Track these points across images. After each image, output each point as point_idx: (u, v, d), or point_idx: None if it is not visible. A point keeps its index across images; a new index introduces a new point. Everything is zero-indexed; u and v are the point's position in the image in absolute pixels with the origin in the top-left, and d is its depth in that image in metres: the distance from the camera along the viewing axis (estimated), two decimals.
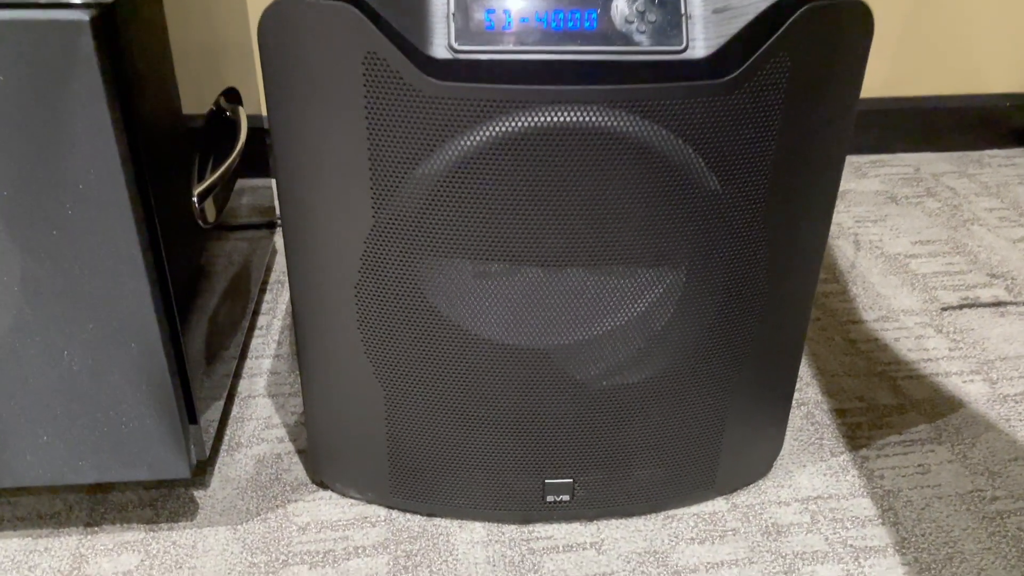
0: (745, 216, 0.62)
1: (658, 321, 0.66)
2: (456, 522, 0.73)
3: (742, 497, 0.76)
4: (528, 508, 0.73)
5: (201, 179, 0.72)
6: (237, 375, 0.88)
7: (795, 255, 0.67)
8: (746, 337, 0.68)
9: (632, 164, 0.58)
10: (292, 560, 0.69)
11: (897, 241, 1.15)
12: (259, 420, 0.82)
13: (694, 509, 0.75)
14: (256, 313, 0.97)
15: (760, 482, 0.78)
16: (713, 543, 0.71)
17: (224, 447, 0.80)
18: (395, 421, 0.69)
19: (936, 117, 1.40)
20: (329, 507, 0.74)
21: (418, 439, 0.70)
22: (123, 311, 0.61)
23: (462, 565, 0.69)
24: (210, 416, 0.74)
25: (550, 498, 0.72)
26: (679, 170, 0.59)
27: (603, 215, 0.60)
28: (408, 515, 0.74)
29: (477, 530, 0.72)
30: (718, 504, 0.76)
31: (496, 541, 0.71)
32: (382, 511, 0.74)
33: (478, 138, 0.56)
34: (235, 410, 0.84)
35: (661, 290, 0.65)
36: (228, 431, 0.81)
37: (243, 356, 0.90)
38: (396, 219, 0.60)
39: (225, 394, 0.79)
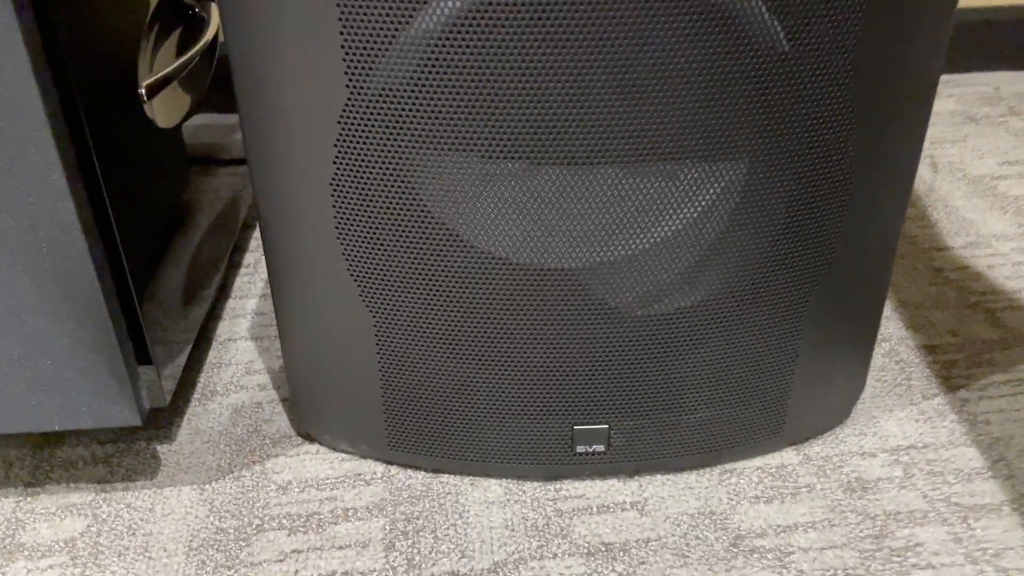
0: (824, 92, 0.48)
1: (711, 231, 0.53)
2: (467, 479, 0.60)
3: (816, 447, 0.63)
4: (554, 461, 0.60)
5: (152, 69, 0.60)
6: (216, 316, 0.76)
7: (887, 146, 0.52)
8: (822, 251, 0.54)
9: (679, 18, 0.44)
10: (268, 524, 0.57)
11: (981, 163, 0.99)
12: (239, 365, 0.70)
13: (758, 462, 0.61)
14: (241, 250, 0.85)
15: (838, 430, 0.64)
16: (783, 502, 0.58)
17: (196, 395, 0.67)
18: (389, 357, 0.56)
19: (1017, 31, 1.23)
20: (316, 463, 0.62)
21: (418, 379, 0.57)
22: (42, 221, 0.49)
23: (474, 529, 0.56)
24: (174, 359, 0.62)
25: (580, 448, 0.59)
26: (739, 24, 0.46)
27: (642, 93, 0.47)
28: (410, 471, 0.61)
29: (493, 488, 0.60)
30: (787, 456, 0.62)
31: (516, 501, 0.59)
32: (379, 467, 0.61)
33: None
34: (212, 355, 0.72)
35: (715, 192, 0.52)
36: (202, 377, 0.69)
37: (224, 296, 0.78)
38: (377, 93, 0.47)
39: (195, 336, 0.67)
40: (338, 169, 0.50)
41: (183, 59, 0.62)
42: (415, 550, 0.55)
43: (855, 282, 0.58)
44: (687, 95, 0.47)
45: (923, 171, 0.98)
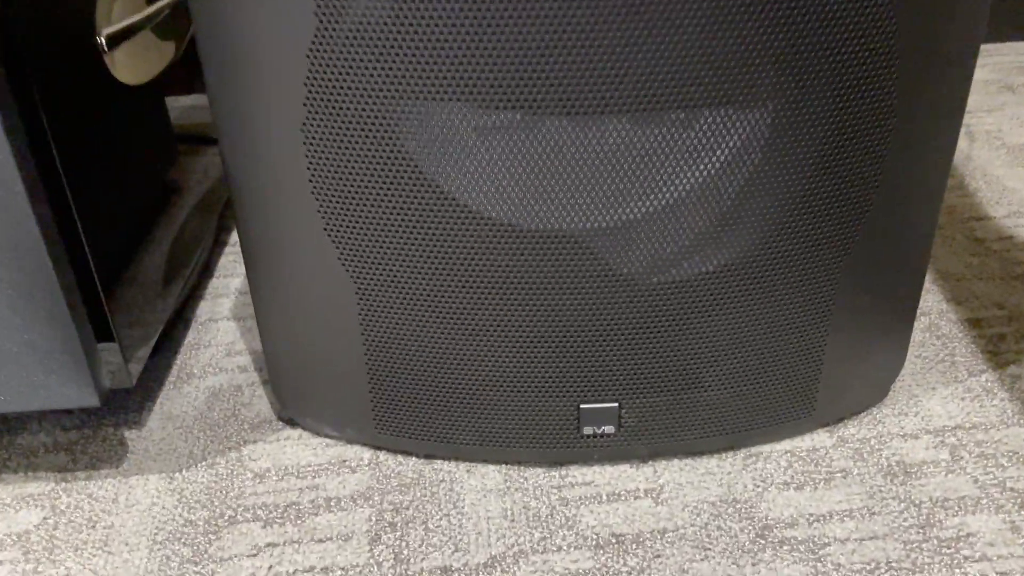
0: (862, 27, 0.42)
1: (733, 187, 0.47)
2: (463, 465, 0.55)
3: (852, 428, 0.56)
4: (559, 444, 0.54)
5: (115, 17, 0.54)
6: (198, 296, 0.70)
7: (932, 91, 0.46)
8: (857, 209, 0.48)
9: None
10: (242, 516, 0.51)
11: (1021, 131, 0.93)
12: (219, 347, 0.65)
13: (786, 445, 0.55)
14: (227, 229, 0.79)
15: (875, 409, 0.58)
16: (815, 488, 0.52)
17: (172, 378, 0.62)
18: (374, 330, 0.51)
19: None
20: (297, 449, 0.56)
21: (407, 355, 0.51)
22: None
23: (470, 520, 0.51)
24: (145, 339, 0.57)
25: (588, 430, 0.53)
26: None
27: (654, 28, 0.41)
28: (399, 457, 0.55)
29: (491, 475, 0.54)
30: (819, 438, 0.56)
31: (517, 489, 0.53)
32: (366, 453, 0.56)
33: None
34: (191, 335, 0.66)
35: (738, 142, 0.46)
36: (179, 359, 0.64)
37: (208, 275, 0.73)
38: (351, 26, 0.41)
39: (170, 315, 0.62)
40: (310, 112, 0.44)
41: (151, 9, 0.56)
42: (403, 543, 0.49)
43: (894, 245, 0.52)
44: (704, 28, 0.41)
45: (959, 141, 0.92)
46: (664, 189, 0.47)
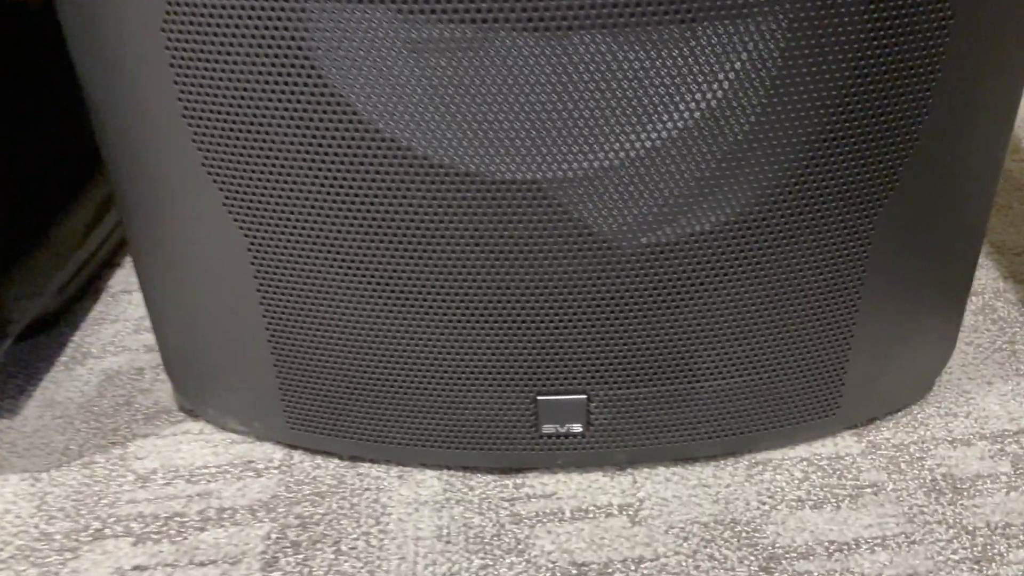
0: None
1: (736, 125, 0.36)
2: (395, 470, 0.44)
3: (886, 432, 0.45)
4: (514, 446, 0.43)
5: None
6: (114, 264, 0.60)
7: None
8: (896, 155, 0.37)
9: None
10: (111, 529, 0.41)
11: None
12: (128, 322, 0.55)
13: (802, 451, 0.44)
14: None
15: (916, 408, 0.46)
16: (838, 508, 0.40)
17: (64, 358, 0.52)
18: (276, 299, 0.40)
19: None
20: (195, 446, 0.46)
21: (320, 332, 0.40)
22: None
23: (394, 541, 0.40)
24: (20, 311, 0.47)
25: (548, 428, 0.42)
26: None
27: None
28: (319, 459, 0.45)
29: (428, 483, 0.43)
30: (845, 443, 0.44)
31: (458, 501, 0.42)
32: (278, 452, 0.45)
33: None
34: (98, 308, 0.56)
35: (742, 65, 0.35)
36: (77, 336, 0.54)
37: (121, 242, 0.62)
38: None
39: (59, 285, 0.52)
40: (171, 5, 0.34)
41: None
42: (305, 569, 0.39)
43: (943, 202, 0.40)
44: None
45: None
46: (651, 126, 0.36)
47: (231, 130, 0.36)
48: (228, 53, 0.34)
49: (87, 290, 0.58)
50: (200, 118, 0.36)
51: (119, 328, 0.54)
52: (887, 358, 0.44)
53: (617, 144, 0.36)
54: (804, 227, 0.38)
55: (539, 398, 0.41)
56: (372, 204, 0.37)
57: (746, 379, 0.42)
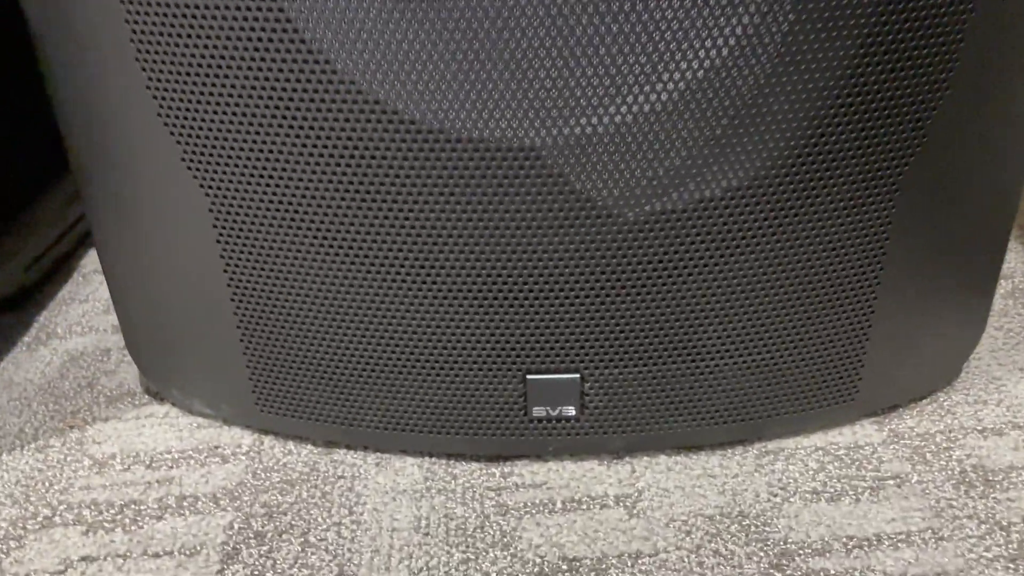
0: None
1: (746, 81, 0.33)
2: (372, 457, 0.40)
3: (909, 420, 0.41)
4: (501, 431, 0.39)
5: None
6: (89, 243, 0.57)
7: None
8: (919, 114, 0.34)
9: None
10: (61, 517, 0.37)
11: None
12: (97, 302, 0.51)
13: (818, 439, 0.40)
14: None
15: (942, 395, 0.43)
16: (857, 501, 0.37)
17: (28, 338, 0.49)
18: (242, 270, 0.37)
19: None
20: (158, 430, 0.42)
21: (290, 306, 0.37)
22: None
23: (367, 532, 0.36)
24: None
25: (539, 411, 0.38)
26: None
27: None
28: (291, 444, 0.41)
29: (408, 471, 0.39)
30: (865, 431, 0.41)
31: (439, 491, 0.38)
32: (247, 437, 0.42)
33: None
34: (67, 289, 0.53)
35: (749, 18, 0.32)
36: (43, 315, 0.51)
37: None
38: None
39: (26, 262, 0.49)
40: None
41: None
42: (268, 561, 0.35)
43: (969, 175, 0.37)
44: None
45: None
46: (651, 84, 0.33)
47: (191, 80, 0.33)
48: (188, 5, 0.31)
49: (58, 269, 0.55)
50: (156, 65, 0.33)
51: (87, 308, 0.51)
52: (910, 341, 0.40)
53: (616, 105, 0.33)
54: (820, 193, 0.35)
55: (528, 377, 0.37)
56: (348, 168, 0.33)
57: (755, 360, 0.38)
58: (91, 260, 0.56)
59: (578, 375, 0.37)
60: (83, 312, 0.51)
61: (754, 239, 0.36)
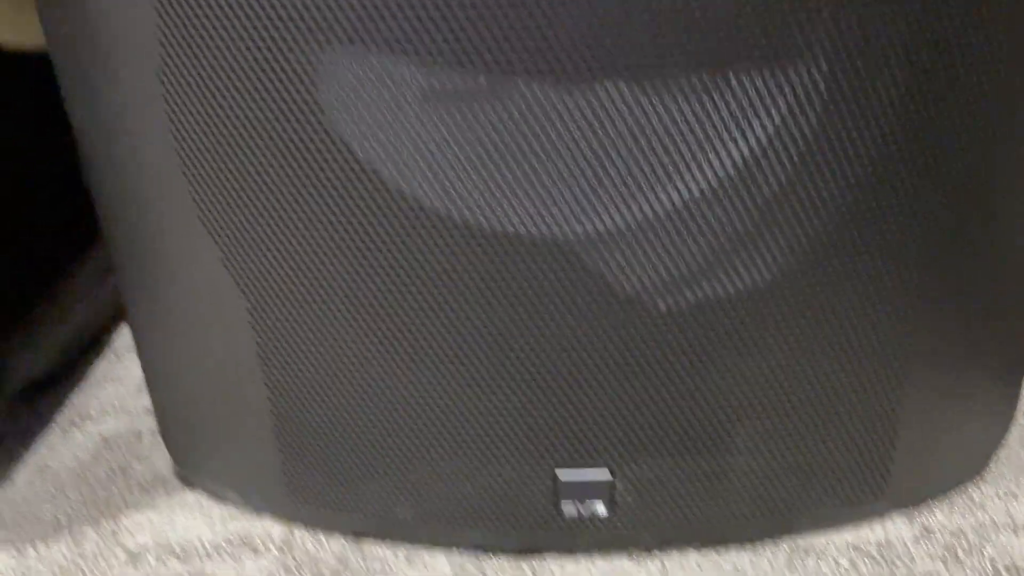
0: None
1: (773, 178, 0.33)
2: (402, 550, 0.41)
3: (940, 515, 0.41)
4: (531, 525, 0.39)
5: None
6: (117, 317, 0.58)
7: None
8: (945, 201, 0.34)
9: None
10: None
11: None
12: (131, 382, 0.52)
13: (849, 536, 0.40)
14: None
15: (972, 488, 0.42)
16: None
17: (62, 421, 0.49)
18: (276, 362, 0.37)
19: None
20: (191, 520, 0.43)
21: (323, 398, 0.38)
22: None
23: None
24: (19, 372, 0.45)
25: (569, 508, 0.38)
26: None
27: None
28: (322, 537, 0.41)
29: (438, 565, 0.40)
30: (896, 527, 0.40)
31: None
32: (277, 529, 0.42)
33: None
34: (102, 367, 0.54)
35: (779, 114, 0.32)
36: (78, 397, 0.51)
37: None
38: None
39: (62, 342, 0.50)
40: (167, 50, 0.32)
41: None
42: None
43: (995, 262, 0.37)
44: None
45: None
46: (679, 180, 0.33)
47: (231, 183, 0.34)
48: (230, 104, 0.32)
49: (92, 348, 0.56)
50: (199, 170, 0.34)
51: (121, 389, 0.52)
52: (939, 433, 0.40)
53: (643, 199, 0.34)
54: (846, 285, 0.35)
55: (558, 471, 0.38)
56: (382, 262, 0.34)
57: (785, 455, 0.38)
58: (124, 335, 0.57)
59: (607, 470, 0.38)
60: (117, 392, 0.52)
61: (782, 333, 0.36)
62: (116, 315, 0.58)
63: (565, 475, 0.38)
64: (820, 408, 0.37)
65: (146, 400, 0.51)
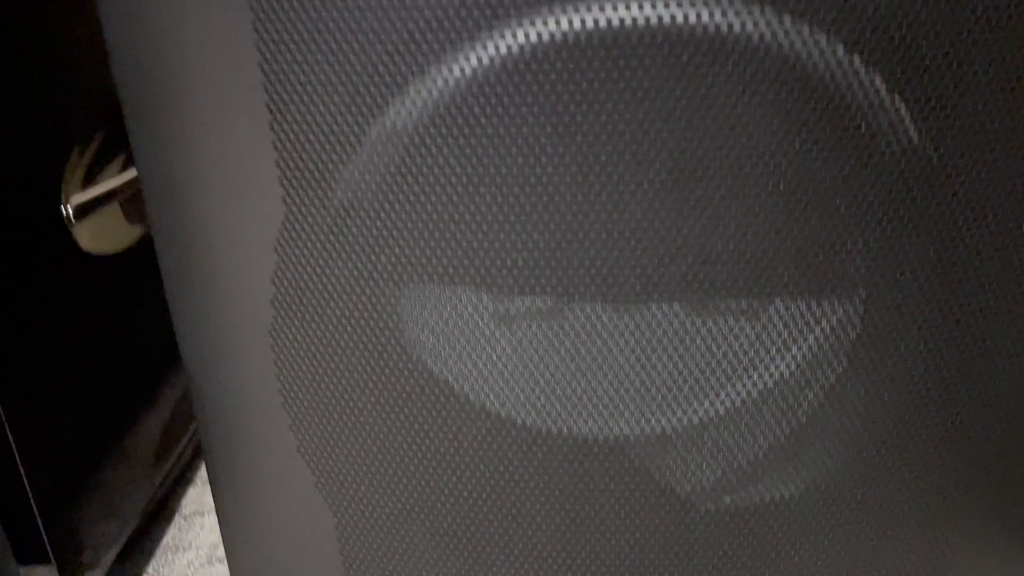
0: (974, 199, 0.33)
1: (813, 390, 0.37)
2: None
3: None
4: None
5: (86, 184, 0.48)
6: (187, 480, 0.62)
7: None
8: (979, 415, 0.38)
9: (772, 106, 0.31)
10: None
11: None
12: (201, 549, 0.55)
13: None
14: None
15: None
16: None
17: None
18: (357, 566, 0.41)
19: None
20: None
21: None
22: None
23: None
24: (102, 550, 0.48)
25: None
26: (843, 105, 0.31)
27: (718, 203, 0.33)
28: None
29: None
30: None
31: None
32: None
33: (479, 59, 0.30)
34: (171, 533, 0.57)
35: (817, 338, 0.36)
36: (151, 567, 0.54)
37: (195, 455, 0.64)
38: (331, 207, 0.33)
39: (138, 518, 0.53)
40: (278, 313, 0.36)
41: (127, 177, 0.50)
42: None
43: None
44: (780, 204, 0.32)
45: None
46: (726, 392, 0.37)
47: (327, 415, 0.38)
48: (328, 349, 0.36)
49: (160, 511, 0.59)
50: (298, 404, 0.38)
51: (193, 557, 0.55)
52: None
53: (692, 408, 0.37)
54: (891, 494, 0.39)
55: None
56: (462, 473, 0.38)
57: None
58: (190, 500, 0.60)
59: None
60: (187, 562, 0.55)
61: (826, 535, 0.39)
62: (179, 479, 0.62)
63: None
64: None
65: (218, 570, 0.54)
